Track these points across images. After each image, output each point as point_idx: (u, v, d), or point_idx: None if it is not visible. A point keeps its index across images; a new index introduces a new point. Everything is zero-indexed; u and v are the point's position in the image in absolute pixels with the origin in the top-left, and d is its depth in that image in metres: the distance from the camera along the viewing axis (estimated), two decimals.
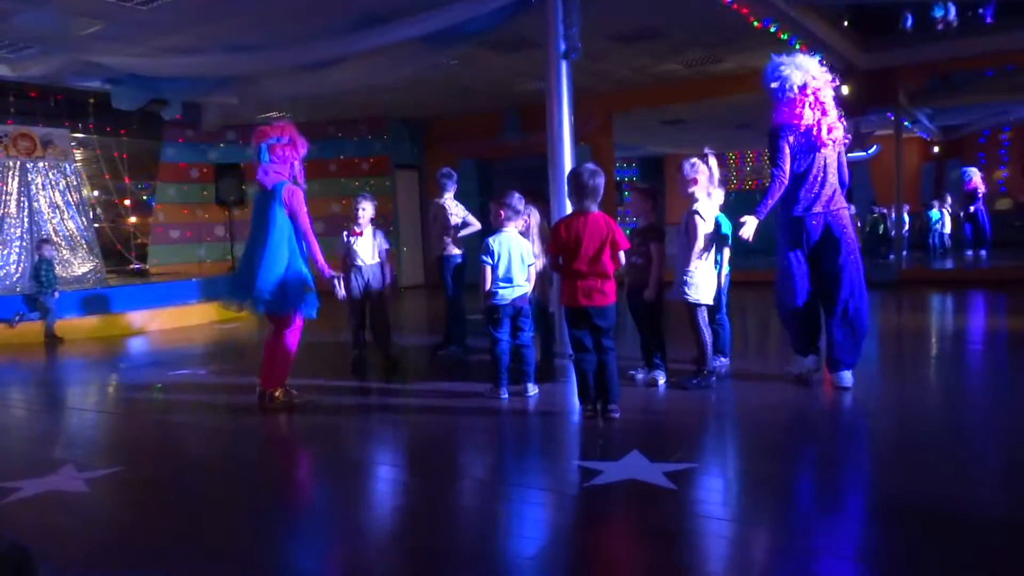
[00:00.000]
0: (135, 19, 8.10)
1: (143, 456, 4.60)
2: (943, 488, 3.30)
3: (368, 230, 6.49)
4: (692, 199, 5.35)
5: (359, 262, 6.45)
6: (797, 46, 10.48)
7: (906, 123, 14.48)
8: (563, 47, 6.59)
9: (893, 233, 15.10)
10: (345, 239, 6.50)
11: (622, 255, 4.70)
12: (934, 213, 17.71)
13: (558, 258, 4.65)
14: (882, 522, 3.02)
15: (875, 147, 18.28)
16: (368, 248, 6.48)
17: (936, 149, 19.39)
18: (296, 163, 5.19)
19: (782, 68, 5.17)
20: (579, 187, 4.59)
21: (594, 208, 4.59)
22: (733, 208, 5.81)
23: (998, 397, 5.13)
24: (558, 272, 4.76)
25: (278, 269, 5.03)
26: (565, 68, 6.67)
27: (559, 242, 4.61)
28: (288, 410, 5.27)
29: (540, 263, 5.56)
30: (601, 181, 4.61)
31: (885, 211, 17.42)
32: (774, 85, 5.20)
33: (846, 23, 11.34)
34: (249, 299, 5.09)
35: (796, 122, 5.04)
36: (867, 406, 4.92)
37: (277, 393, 5.34)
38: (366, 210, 6.47)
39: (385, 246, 6.60)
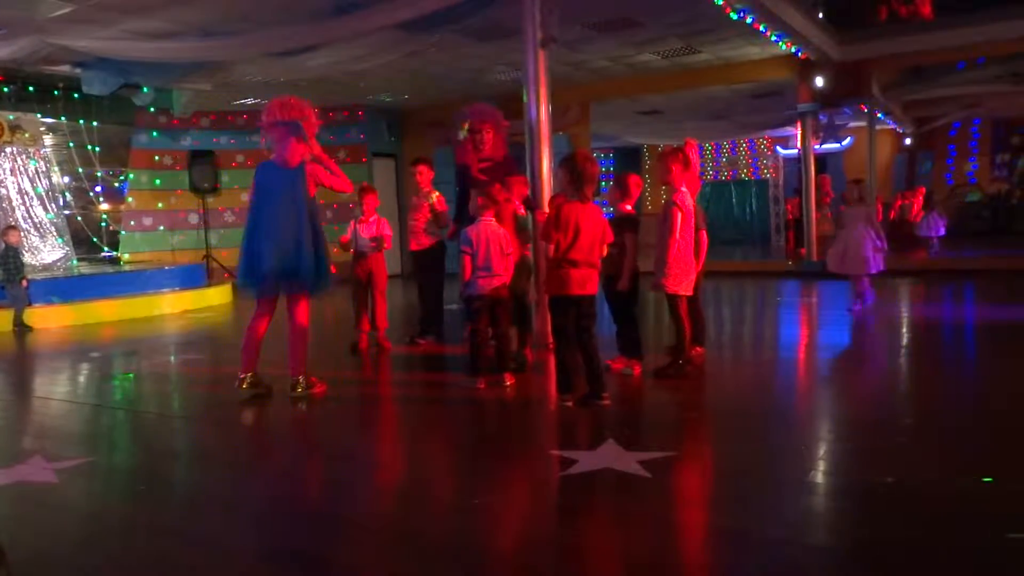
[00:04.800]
0: (104, 1, 7.92)
1: (113, 447, 4.56)
2: (928, 474, 3.35)
3: (373, 218, 6.77)
4: (671, 189, 5.36)
5: (364, 249, 6.67)
6: (772, 37, 10.55)
7: (879, 115, 14.61)
8: (540, 36, 6.56)
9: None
10: (352, 226, 6.76)
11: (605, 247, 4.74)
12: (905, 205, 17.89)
13: (553, 245, 4.61)
14: (858, 508, 3.06)
15: (848, 139, 18.46)
16: (373, 235, 6.71)
17: (908, 141, 19.60)
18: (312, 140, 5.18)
19: None
20: (576, 175, 4.57)
21: (590, 197, 4.61)
22: (709, 199, 5.85)
23: (974, 386, 5.22)
24: (551, 257, 4.69)
25: (316, 248, 5.01)
26: (543, 57, 6.63)
27: (555, 229, 4.56)
28: (307, 399, 5.10)
29: (516, 254, 5.54)
30: (595, 169, 4.64)
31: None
32: None
33: (820, 15, 11.42)
34: (301, 281, 4.99)
35: None
36: (834, 393, 4.98)
37: (310, 379, 5.16)
38: (370, 199, 6.77)
39: (388, 233, 6.82)
